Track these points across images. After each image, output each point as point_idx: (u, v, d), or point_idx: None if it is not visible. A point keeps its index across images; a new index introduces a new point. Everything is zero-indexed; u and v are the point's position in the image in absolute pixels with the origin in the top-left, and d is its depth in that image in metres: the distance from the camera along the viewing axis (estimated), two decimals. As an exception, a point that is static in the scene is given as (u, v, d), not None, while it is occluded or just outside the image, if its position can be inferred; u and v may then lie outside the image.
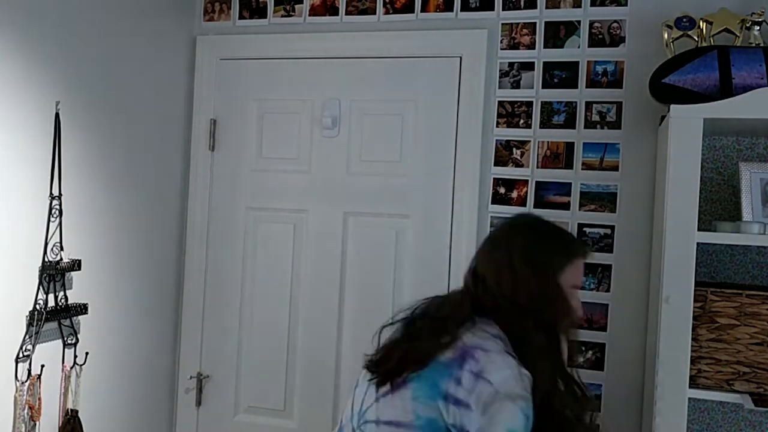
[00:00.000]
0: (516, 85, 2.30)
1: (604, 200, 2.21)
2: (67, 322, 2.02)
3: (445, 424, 1.31)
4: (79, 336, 2.07)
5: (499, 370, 1.30)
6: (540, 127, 2.27)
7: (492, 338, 1.37)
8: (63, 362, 2.02)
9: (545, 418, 1.34)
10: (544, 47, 2.27)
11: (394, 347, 1.45)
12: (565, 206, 2.24)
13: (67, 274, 2.01)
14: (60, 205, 1.95)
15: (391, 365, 1.40)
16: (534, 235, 1.49)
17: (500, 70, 2.31)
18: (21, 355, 1.85)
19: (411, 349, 1.40)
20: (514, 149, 2.30)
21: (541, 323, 1.39)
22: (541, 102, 2.27)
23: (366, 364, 1.49)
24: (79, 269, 2.02)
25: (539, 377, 1.34)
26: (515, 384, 1.29)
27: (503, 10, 2.31)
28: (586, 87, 2.23)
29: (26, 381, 1.86)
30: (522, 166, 2.28)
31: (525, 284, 1.41)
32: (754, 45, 1.92)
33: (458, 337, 1.37)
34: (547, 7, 2.27)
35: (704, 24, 1.97)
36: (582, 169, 2.23)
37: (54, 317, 1.96)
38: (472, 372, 1.30)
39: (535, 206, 2.26)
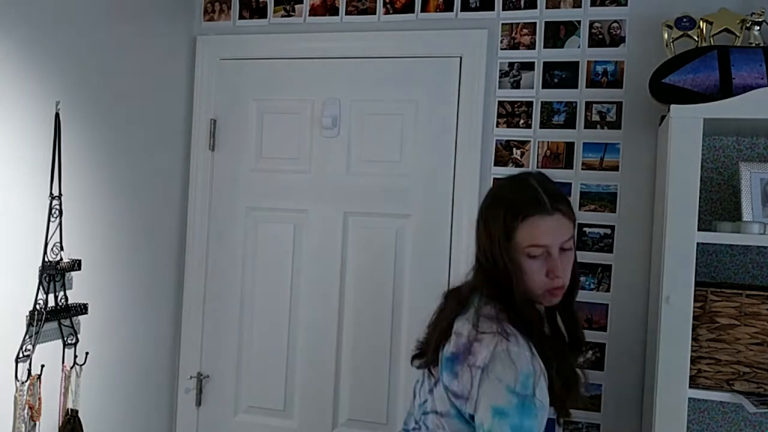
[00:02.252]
0: (516, 85, 2.30)
1: (604, 200, 2.21)
2: (67, 322, 2.02)
3: (463, 414, 1.37)
4: (79, 336, 2.07)
5: (485, 352, 1.33)
6: (540, 127, 2.27)
7: (486, 320, 1.38)
8: (63, 362, 2.02)
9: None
10: (544, 47, 2.27)
11: (427, 335, 1.52)
12: (565, 206, 2.24)
13: (67, 274, 2.01)
14: (60, 205, 1.95)
15: (427, 357, 1.48)
16: (492, 194, 1.50)
17: (500, 70, 2.31)
18: (21, 355, 1.85)
19: (430, 340, 1.48)
20: (514, 149, 2.29)
21: (496, 287, 1.40)
22: (541, 102, 2.27)
23: (412, 354, 1.56)
24: (79, 269, 2.02)
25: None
26: (501, 362, 1.31)
27: (503, 10, 2.31)
28: (586, 87, 2.23)
29: (26, 381, 1.86)
30: (522, 166, 2.28)
31: (482, 245, 1.44)
32: (754, 45, 1.92)
33: (452, 326, 1.42)
34: (547, 7, 2.27)
35: (704, 24, 1.97)
36: (582, 169, 2.23)
37: (54, 317, 1.95)
38: (468, 365, 1.35)
39: (535, 206, 2.26)
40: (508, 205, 1.40)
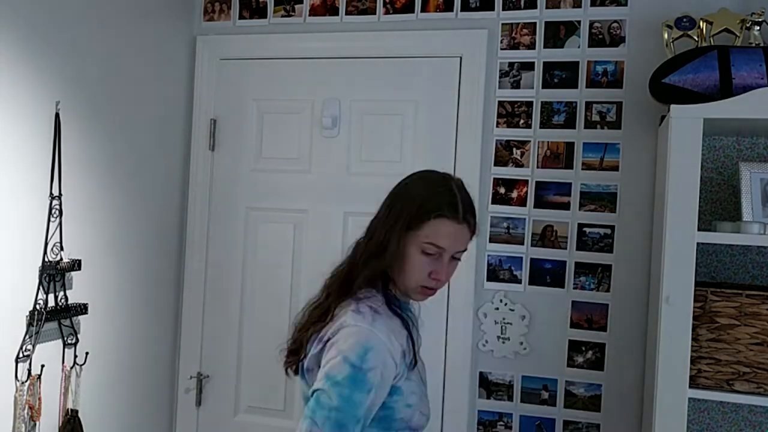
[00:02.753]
0: (516, 85, 2.30)
1: (604, 200, 2.21)
2: (67, 322, 2.02)
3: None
4: (79, 336, 2.07)
5: (334, 326, 1.38)
6: (540, 127, 2.27)
7: (352, 300, 1.43)
8: (63, 362, 2.02)
9: None
10: (544, 47, 2.27)
11: (298, 333, 1.54)
12: (565, 206, 2.24)
13: (67, 274, 2.01)
14: (60, 205, 1.95)
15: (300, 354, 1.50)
16: (410, 183, 1.50)
17: (500, 70, 2.31)
18: (21, 355, 1.85)
19: (301, 336, 1.51)
20: (514, 149, 2.29)
21: (370, 271, 1.43)
22: (541, 102, 2.27)
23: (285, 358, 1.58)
24: (79, 269, 2.02)
25: None
26: (344, 334, 1.35)
27: (503, 10, 2.31)
28: (586, 87, 2.24)
29: (26, 381, 1.86)
30: (522, 166, 2.28)
31: (376, 226, 1.46)
32: (754, 45, 1.92)
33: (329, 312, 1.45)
34: (547, 7, 2.27)
35: (704, 24, 1.97)
36: (582, 169, 2.23)
37: (54, 317, 1.95)
38: (319, 339, 1.42)
39: (535, 206, 2.26)
40: (426, 199, 1.43)
